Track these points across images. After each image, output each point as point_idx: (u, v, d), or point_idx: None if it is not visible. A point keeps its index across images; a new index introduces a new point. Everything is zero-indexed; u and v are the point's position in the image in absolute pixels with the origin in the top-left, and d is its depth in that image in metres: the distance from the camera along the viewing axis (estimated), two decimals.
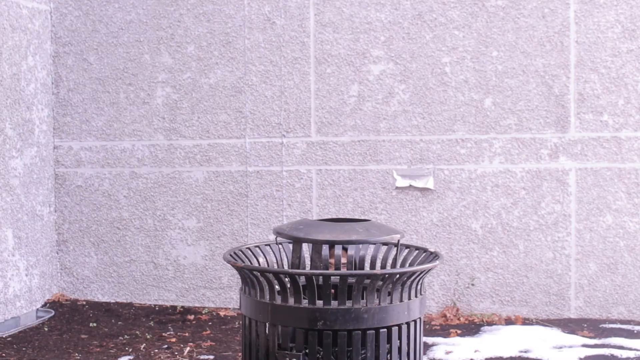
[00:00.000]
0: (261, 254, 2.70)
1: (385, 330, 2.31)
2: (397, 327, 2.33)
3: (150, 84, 5.61)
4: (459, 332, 4.86)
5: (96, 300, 5.75)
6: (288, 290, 2.31)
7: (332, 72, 5.39)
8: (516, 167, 5.21)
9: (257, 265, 2.62)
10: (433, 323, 5.11)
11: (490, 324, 5.05)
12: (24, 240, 5.29)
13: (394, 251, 2.70)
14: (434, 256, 2.56)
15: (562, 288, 5.19)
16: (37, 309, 5.42)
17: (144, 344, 4.65)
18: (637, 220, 5.11)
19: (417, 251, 2.67)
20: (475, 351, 4.43)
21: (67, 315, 5.35)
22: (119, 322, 5.20)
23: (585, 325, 4.97)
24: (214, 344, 4.69)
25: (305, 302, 2.30)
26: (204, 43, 5.54)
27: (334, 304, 2.28)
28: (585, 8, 5.12)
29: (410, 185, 5.31)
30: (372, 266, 2.74)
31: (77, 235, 5.75)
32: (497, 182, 5.23)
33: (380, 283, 2.33)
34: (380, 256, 2.82)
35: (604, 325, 4.95)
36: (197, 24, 5.54)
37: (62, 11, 5.72)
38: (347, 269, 2.64)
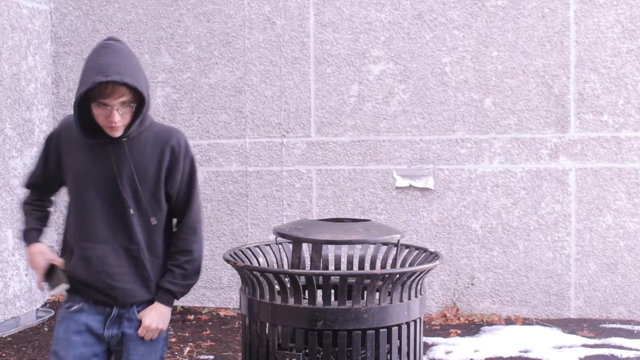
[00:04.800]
0: (261, 254, 2.70)
1: (385, 330, 2.31)
2: (397, 327, 2.33)
3: (150, 84, 5.61)
4: (459, 332, 4.86)
5: None
6: (288, 290, 2.31)
7: (332, 72, 5.39)
8: (516, 167, 5.21)
9: (257, 265, 2.62)
10: (433, 323, 5.11)
11: (490, 324, 5.05)
12: None
13: (394, 251, 2.70)
14: (434, 256, 2.56)
15: (562, 288, 5.19)
16: (37, 309, 5.42)
17: None
18: (637, 220, 5.11)
19: (417, 251, 2.67)
20: (475, 351, 4.43)
21: None
22: None
23: (585, 325, 4.97)
24: (214, 344, 4.69)
25: (305, 302, 2.30)
26: (204, 43, 5.54)
27: (334, 304, 2.28)
28: (585, 8, 5.11)
29: (410, 185, 5.31)
30: (372, 266, 2.74)
31: None
32: (497, 182, 5.23)
33: (380, 283, 2.33)
34: (380, 256, 2.82)
35: (604, 325, 4.95)
36: (197, 24, 5.54)
37: (62, 11, 5.71)
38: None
